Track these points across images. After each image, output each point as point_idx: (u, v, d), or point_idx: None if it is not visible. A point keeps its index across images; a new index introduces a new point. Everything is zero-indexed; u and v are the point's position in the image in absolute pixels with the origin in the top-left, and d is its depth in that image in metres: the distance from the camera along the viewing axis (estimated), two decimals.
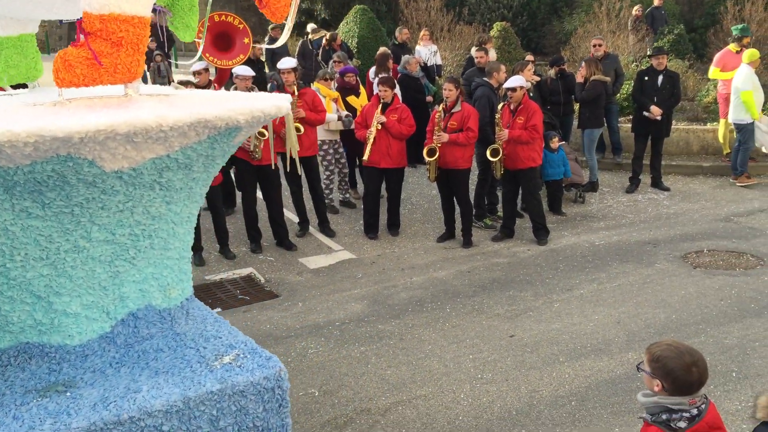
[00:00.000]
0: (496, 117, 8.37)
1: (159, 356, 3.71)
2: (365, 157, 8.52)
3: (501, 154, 8.29)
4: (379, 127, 8.36)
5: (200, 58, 4.91)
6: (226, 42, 11.08)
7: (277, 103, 3.58)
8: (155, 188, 3.46)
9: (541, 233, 8.59)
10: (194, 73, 9.27)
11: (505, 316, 6.64)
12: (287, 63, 8.65)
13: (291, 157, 5.12)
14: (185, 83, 7.73)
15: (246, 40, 11.24)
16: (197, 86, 8.91)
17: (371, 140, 8.40)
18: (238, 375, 3.56)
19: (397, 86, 9.48)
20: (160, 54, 16.36)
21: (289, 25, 4.16)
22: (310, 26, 14.87)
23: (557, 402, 5.21)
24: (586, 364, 5.71)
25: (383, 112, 8.43)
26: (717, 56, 11.64)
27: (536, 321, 6.52)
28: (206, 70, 9.33)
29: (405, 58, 11.16)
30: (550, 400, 5.25)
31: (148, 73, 17.62)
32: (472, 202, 8.98)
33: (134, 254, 3.60)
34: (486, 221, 9.20)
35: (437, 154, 8.26)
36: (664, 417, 2.82)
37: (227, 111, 3.33)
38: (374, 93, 8.94)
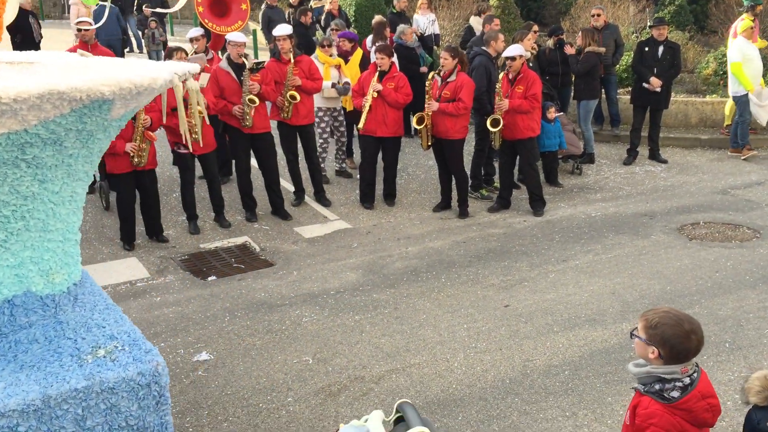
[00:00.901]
0: (497, 87, 8.28)
1: (31, 348, 3.49)
2: (360, 125, 8.45)
3: (501, 125, 8.21)
4: (375, 95, 8.28)
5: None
6: (223, 8, 10.95)
7: (152, 74, 3.27)
8: (20, 166, 3.20)
9: (537, 204, 8.56)
10: (191, 40, 9.17)
11: (500, 286, 6.64)
12: (282, 30, 8.52)
13: (188, 135, 4.54)
14: (177, 49, 7.62)
15: (243, 6, 11.12)
16: (196, 53, 8.82)
17: (367, 108, 8.33)
18: (109, 370, 3.34)
19: (395, 55, 9.36)
20: (155, 20, 16.17)
21: None
22: None
23: (551, 371, 5.22)
24: (580, 334, 5.72)
25: (380, 80, 8.34)
26: (732, 27, 11.47)
27: (531, 291, 6.52)
28: (203, 36, 9.23)
29: (400, 27, 11.01)
30: (543, 369, 5.26)
31: (143, 40, 17.45)
32: (469, 173, 8.93)
33: (6, 237, 3.35)
34: (482, 192, 9.16)
35: (426, 121, 8.21)
36: (656, 387, 2.78)
37: (87, 82, 3.04)
38: (371, 61, 8.84)
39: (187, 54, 7.77)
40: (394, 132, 8.54)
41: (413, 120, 8.31)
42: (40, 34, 13.13)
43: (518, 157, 8.63)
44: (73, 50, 8.57)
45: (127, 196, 7.47)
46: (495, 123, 8.22)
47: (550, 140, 9.33)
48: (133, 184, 7.45)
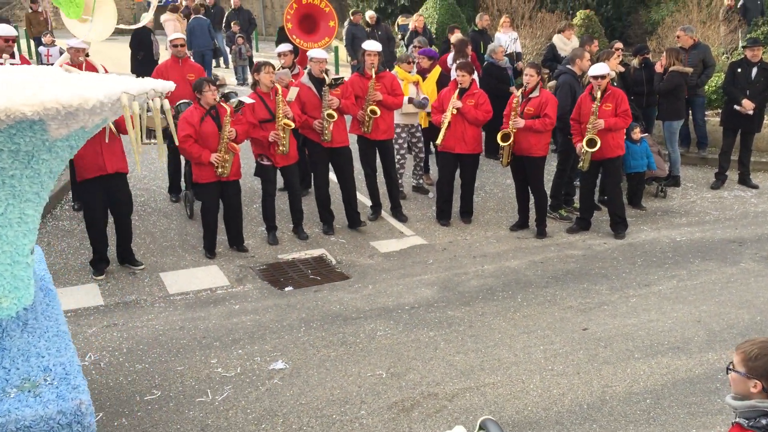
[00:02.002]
0: (593, 107, 7.99)
1: None
2: (438, 141, 8.44)
3: (598, 145, 7.92)
4: (455, 112, 8.27)
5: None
6: (312, 24, 11.21)
7: (82, 94, 3.11)
8: None
9: (619, 227, 8.34)
10: (279, 55, 9.43)
11: (578, 309, 6.48)
12: (372, 45, 8.65)
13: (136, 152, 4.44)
14: (265, 64, 7.83)
15: (331, 23, 11.35)
16: (283, 68, 9.05)
17: (446, 125, 8.32)
18: (27, 407, 3.15)
19: (475, 72, 9.33)
20: (242, 37, 16.67)
21: (154, 5, 4.12)
22: (369, 14, 14.92)
23: (631, 399, 5.05)
24: (662, 362, 5.52)
25: (460, 97, 8.33)
26: None
27: (611, 315, 6.34)
28: (291, 51, 9.46)
29: (491, 46, 11.03)
30: (623, 396, 5.09)
31: (230, 56, 18.00)
32: (549, 192, 8.79)
33: None
34: (561, 212, 8.99)
35: (511, 139, 8.12)
36: (763, 422, 2.62)
37: (5, 102, 2.94)
38: (451, 79, 8.83)
39: (274, 68, 7.97)
40: (473, 149, 8.50)
41: (498, 136, 8.22)
42: (158, 51, 13.88)
43: (600, 177, 8.41)
44: (163, 66, 8.98)
45: (211, 206, 7.68)
46: (591, 144, 8.01)
47: (636, 161, 9.08)
48: (217, 193, 7.65)
